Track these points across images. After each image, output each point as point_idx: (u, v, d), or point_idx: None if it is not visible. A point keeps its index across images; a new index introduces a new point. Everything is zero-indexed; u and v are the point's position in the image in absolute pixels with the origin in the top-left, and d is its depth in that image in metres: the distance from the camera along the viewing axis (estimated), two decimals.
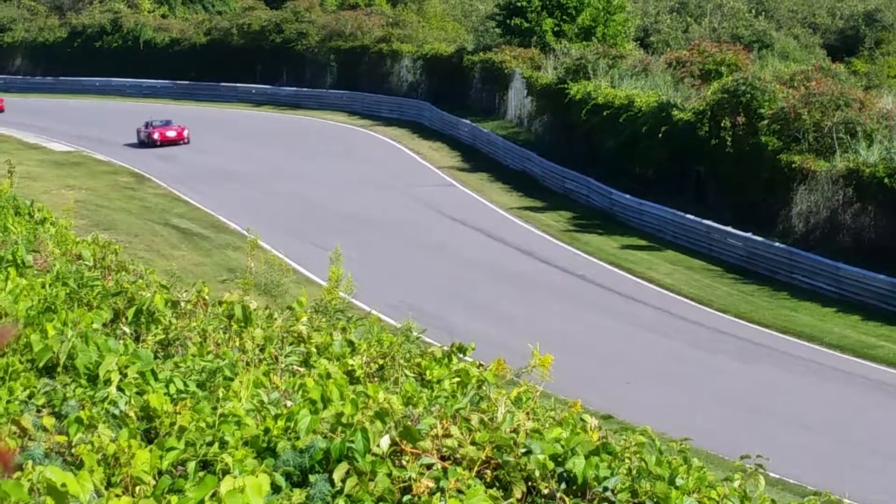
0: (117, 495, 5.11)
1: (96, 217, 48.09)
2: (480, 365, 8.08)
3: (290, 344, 8.15)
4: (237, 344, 7.98)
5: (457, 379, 7.61)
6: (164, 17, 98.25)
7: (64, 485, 4.84)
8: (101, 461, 5.51)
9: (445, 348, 8.26)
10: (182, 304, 8.79)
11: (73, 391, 6.60)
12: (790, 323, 37.83)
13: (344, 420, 5.95)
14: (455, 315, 35.98)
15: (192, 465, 5.62)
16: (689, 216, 47.32)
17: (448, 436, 5.80)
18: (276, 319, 8.60)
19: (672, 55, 58.36)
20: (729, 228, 45.20)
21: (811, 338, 36.23)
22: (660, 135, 50.67)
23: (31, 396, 6.51)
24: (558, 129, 60.20)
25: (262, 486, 4.96)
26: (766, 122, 46.67)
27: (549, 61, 65.08)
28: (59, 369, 7.03)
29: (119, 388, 6.58)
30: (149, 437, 6.07)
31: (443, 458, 5.71)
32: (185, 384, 6.78)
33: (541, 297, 40.03)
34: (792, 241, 43.69)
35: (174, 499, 5.11)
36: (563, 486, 5.73)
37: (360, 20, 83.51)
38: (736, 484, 6.23)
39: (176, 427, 6.03)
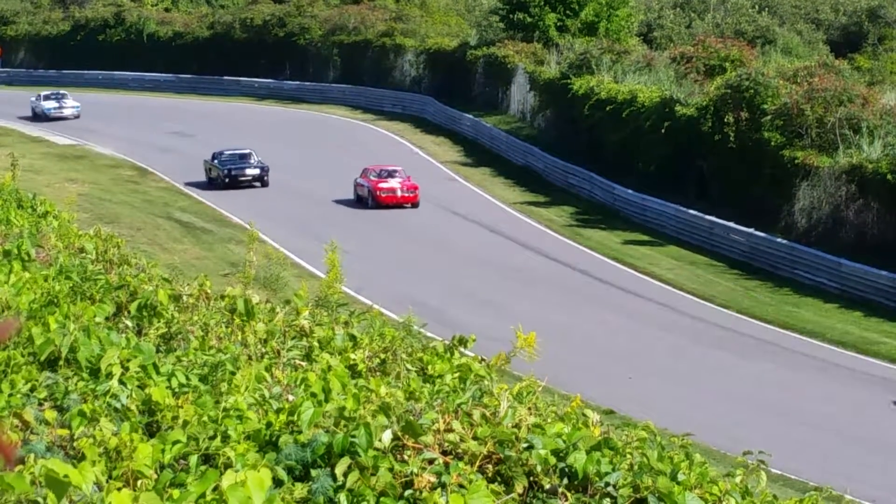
0: (119, 489, 5.11)
1: (99, 210, 48.10)
2: (482, 360, 8.08)
3: (293, 338, 8.16)
4: (239, 338, 7.99)
5: (458, 374, 7.61)
6: (167, 10, 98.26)
7: (66, 476, 4.85)
8: (103, 454, 5.52)
9: (447, 342, 8.27)
10: (184, 297, 8.79)
11: (75, 384, 6.61)
12: (792, 319, 37.82)
13: (346, 414, 5.96)
14: (457, 309, 35.97)
15: (193, 459, 5.63)
16: (691, 211, 47.32)
17: (450, 430, 5.81)
18: (277, 313, 8.61)
19: (677, 50, 58.37)
20: (731, 224, 45.20)
21: (813, 334, 36.21)
22: (663, 130, 50.66)
23: (32, 390, 6.51)
24: (561, 124, 60.17)
25: (263, 481, 4.97)
26: (769, 117, 46.66)
27: (552, 56, 65.06)
28: (61, 363, 7.04)
29: (121, 382, 6.59)
30: (150, 430, 6.08)
31: (444, 453, 5.72)
32: (187, 378, 6.79)
33: (542, 292, 40.02)
34: (794, 236, 43.69)
35: (176, 493, 5.11)
36: (565, 481, 5.73)
37: (363, 14, 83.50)
38: (738, 479, 6.23)
39: (178, 421, 6.04)
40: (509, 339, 7.84)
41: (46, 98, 76.92)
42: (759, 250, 43.79)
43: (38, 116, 75.37)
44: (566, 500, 5.66)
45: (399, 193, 51.09)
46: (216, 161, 56.07)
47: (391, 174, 52.02)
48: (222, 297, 8.78)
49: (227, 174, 54.96)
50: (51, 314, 7.63)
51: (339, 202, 52.38)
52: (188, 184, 55.54)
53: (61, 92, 78.46)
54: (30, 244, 10.28)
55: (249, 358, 7.57)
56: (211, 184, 55.53)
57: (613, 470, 5.74)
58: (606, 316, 38.00)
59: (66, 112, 75.62)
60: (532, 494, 5.70)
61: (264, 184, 55.16)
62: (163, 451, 5.61)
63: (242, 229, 44.79)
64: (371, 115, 75.18)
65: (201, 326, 8.15)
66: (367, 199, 51.30)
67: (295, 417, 5.97)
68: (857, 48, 74.39)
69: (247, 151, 56.63)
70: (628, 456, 5.97)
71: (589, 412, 6.76)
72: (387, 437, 5.66)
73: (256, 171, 55.30)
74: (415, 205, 51.22)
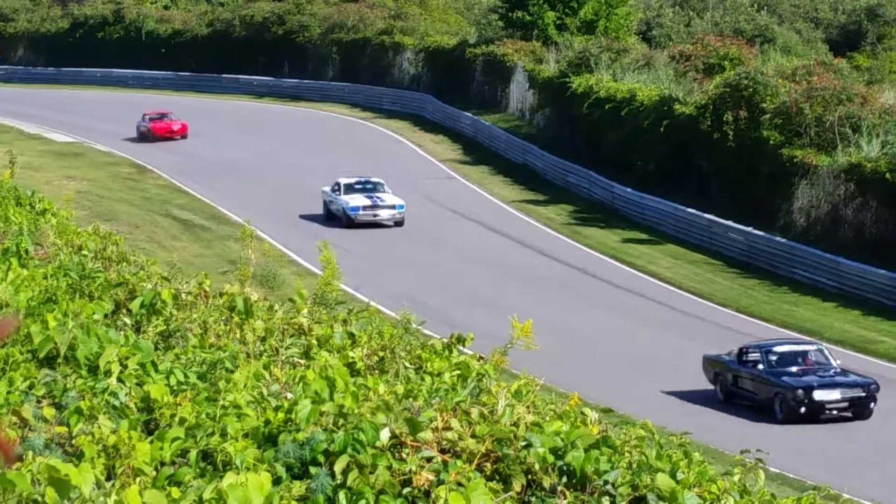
0: (123, 485, 5.12)
1: (97, 208, 48.09)
2: (480, 358, 8.09)
3: (291, 336, 8.16)
4: (238, 336, 7.99)
5: (457, 372, 7.61)
6: (166, 8, 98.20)
7: (66, 475, 4.85)
8: (102, 452, 5.51)
9: (445, 341, 8.27)
10: (183, 295, 8.79)
11: (74, 382, 6.61)
12: (791, 317, 37.82)
13: (345, 412, 5.96)
14: (455, 308, 35.97)
15: (193, 455, 5.63)
16: (690, 210, 47.31)
17: (448, 429, 5.81)
18: (276, 311, 8.61)
19: (676, 49, 58.34)
20: (730, 223, 45.18)
21: (812, 332, 36.18)
22: (661, 129, 50.64)
23: (31, 387, 6.51)
24: (560, 123, 60.16)
25: (264, 484, 4.98)
26: (767, 116, 46.65)
27: (551, 54, 65.04)
28: (60, 360, 7.03)
29: (119, 380, 6.59)
30: (149, 428, 6.08)
31: (443, 451, 5.72)
32: (186, 376, 6.79)
33: (541, 291, 39.99)
34: (793, 235, 43.69)
35: (175, 490, 5.11)
36: (564, 479, 5.73)
37: (362, 12, 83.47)
38: (736, 478, 6.24)
39: (176, 419, 6.04)
40: (508, 337, 7.85)
41: (350, 189, 48.03)
42: (757, 249, 43.78)
43: (333, 215, 48.08)
44: (565, 498, 5.67)
45: None
46: (764, 365, 29.41)
47: None
48: (221, 295, 8.78)
49: (799, 401, 27.94)
50: (49, 311, 7.63)
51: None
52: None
53: (372, 180, 49.05)
54: (28, 241, 10.28)
55: (248, 356, 7.57)
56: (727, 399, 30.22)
57: (612, 468, 5.74)
58: (605, 314, 38.00)
59: (384, 216, 47.32)
60: (530, 493, 5.70)
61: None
62: (161, 448, 5.61)
63: (241, 227, 44.74)
64: (370, 113, 75.16)
65: (200, 324, 8.15)
66: None
67: (293, 415, 5.97)
68: (856, 47, 74.40)
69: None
70: (627, 454, 5.97)
71: (587, 410, 6.76)
72: (385, 435, 5.66)
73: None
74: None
